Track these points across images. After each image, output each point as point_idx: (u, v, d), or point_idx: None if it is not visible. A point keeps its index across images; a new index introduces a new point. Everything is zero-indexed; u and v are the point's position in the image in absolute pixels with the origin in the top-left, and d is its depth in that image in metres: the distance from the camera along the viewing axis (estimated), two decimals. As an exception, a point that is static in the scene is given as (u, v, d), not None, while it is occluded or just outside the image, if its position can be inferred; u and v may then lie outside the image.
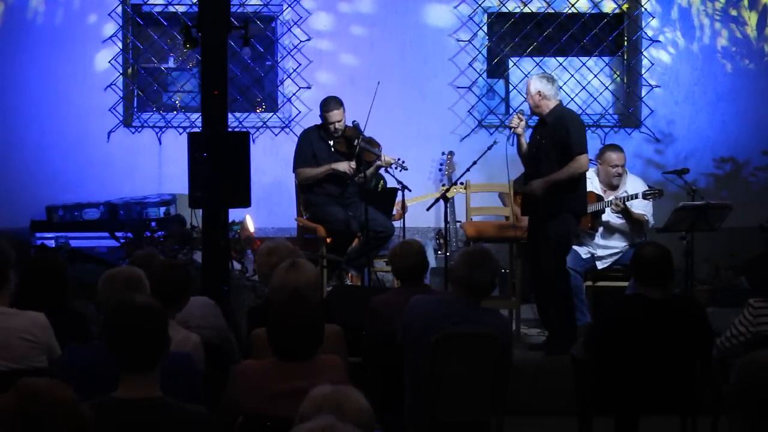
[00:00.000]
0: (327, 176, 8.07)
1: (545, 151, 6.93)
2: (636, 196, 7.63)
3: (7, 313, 4.53)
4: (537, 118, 7.19)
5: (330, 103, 8.02)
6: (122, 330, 3.38)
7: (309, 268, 4.82)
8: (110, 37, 9.27)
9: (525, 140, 7.15)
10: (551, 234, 6.89)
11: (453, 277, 5.06)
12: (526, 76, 9.29)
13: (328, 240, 7.98)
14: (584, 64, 9.45)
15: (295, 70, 9.32)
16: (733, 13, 9.50)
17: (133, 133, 9.41)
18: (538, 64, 9.39)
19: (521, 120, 7.06)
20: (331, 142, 8.12)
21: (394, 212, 8.37)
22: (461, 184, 8.21)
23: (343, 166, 7.99)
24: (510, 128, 7.15)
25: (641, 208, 7.72)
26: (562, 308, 6.93)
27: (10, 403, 2.66)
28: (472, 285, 4.93)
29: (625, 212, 7.64)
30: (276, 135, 9.36)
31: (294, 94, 9.33)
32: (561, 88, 8.62)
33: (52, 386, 2.69)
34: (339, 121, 8.00)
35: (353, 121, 8.08)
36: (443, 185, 8.69)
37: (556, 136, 6.91)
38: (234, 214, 7.77)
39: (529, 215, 7.17)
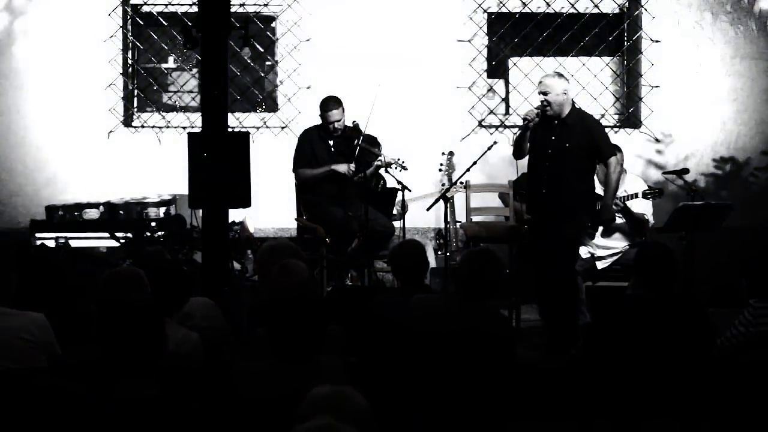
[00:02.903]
0: (326, 176, 8.08)
1: (571, 153, 6.85)
2: (636, 196, 7.63)
3: (7, 314, 4.53)
4: (540, 117, 7.09)
5: (329, 103, 8.03)
6: (117, 330, 3.38)
7: (301, 269, 4.80)
8: (110, 37, 9.27)
9: (528, 134, 7.07)
10: (568, 234, 6.86)
11: (456, 278, 5.06)
12: (526, 76, 9.29)
13: (328, 240, 7.98)
14: (584, 64, 9.45)
15: (295, 71, 9.32)
16: (734, 13, 9.50)
17: (133, 133, 9.41)
18: (538, 64, 9.38)
19: (539, 116, 6.99)
20: (331, 142, 8.13)
21: (394, 212, 8.38)
22: (461, 184, 8.21)
23: (343, 168, 8.00)
24: (526, 119, 6.98)
25: (641, 207, 7.73)
26: (569, 308, 6.91)
27: None
28: (475, 286, 4.93)
29: (625, 211, 7.64)
30: (276, 135, 9.37)
31: (294, 94, 9.33)
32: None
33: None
34: (338, 121, 8.01)
35: (353, 121, 8.09)
36: (443, 185, 8.68)
37: (581, 140, 6.86)
38: (234, 214, 7.77)
39: (539, 216, 7.10)
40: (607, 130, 9.31)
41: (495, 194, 8.57)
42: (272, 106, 9.59)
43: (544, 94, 6.93)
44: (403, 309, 5.04)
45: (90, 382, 3.55)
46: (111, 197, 8.85)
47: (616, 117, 9.61)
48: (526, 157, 7.18)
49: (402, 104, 9.15)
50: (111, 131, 9.35)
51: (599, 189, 7.77)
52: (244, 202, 6.45)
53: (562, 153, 6.87)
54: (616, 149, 7.84)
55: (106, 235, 8.50)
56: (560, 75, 7.16)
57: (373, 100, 7.78)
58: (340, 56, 9.32)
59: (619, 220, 7.79)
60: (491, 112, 9.48)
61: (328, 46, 9.34)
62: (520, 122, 7.22)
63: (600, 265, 7.82)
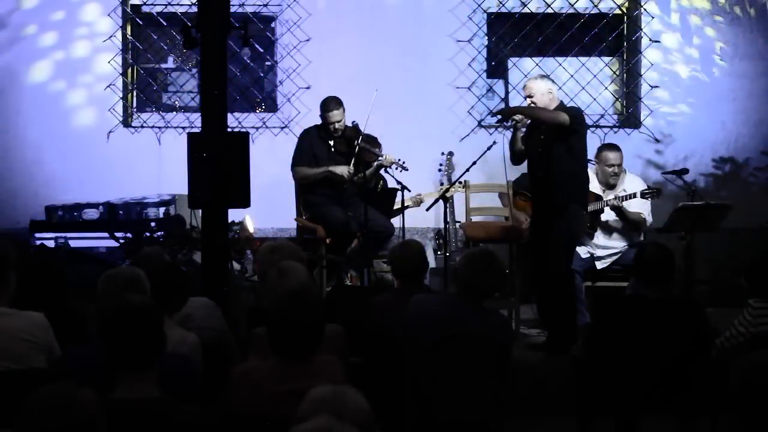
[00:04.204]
0: (324, 178, 8.07)
1: (557, 147, 6.83)
2: (634, 195, 7.64)
3: (7, 314, 4.53)
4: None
5: (330, 104, 8.02)
6: (117, 330, 3.38)
7: (298, 271, 4.81)
8: (110, 37, 9.27)
9: (519, 135, 7.09)
10: (561, 232, 6.85)
11: (456, 278, 5.06)
12: (525, 76, 9.28)
13: (328, 240, 7.98)
14: (584, 64, 9.45)
15: (294, 70, 9.32)
16: (733, 13, 9.50)
17: (132, 133, 9.41)
18: (537, 64, 9.38)
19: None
20: (331, 143, 8.13)
21: (407, 203, 8.37)
22: (460, 183, 8.20)
23: (341, 170, 7.99)
24: (514, 122, 6.99)
25: (638, 207, 7.72)
26: (566, 308, 6.90)
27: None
28: (475, 287, 4.94)
29: (620, 212, 7.64)
30: (276, 135, 9.36)
31: (294, 94, 9.33)
32: (560, 88, 8.67)
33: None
34: (339, 122, 8.00)
35: (353, 122, 8.09)
36: (442, 185, 8.69)
37: (561, 130, 6.85)
38: (234, 214, 7.76)
39: (536, 213, 7.09)
40: (606, 130, 9.38)
41: (495, 194, 8.57)
42: (272, 107, 9.58)
43: (530, 96, 6.96)
44: (403, 309, 5.04)
45: (89, 383, 3.55)
46: (111, 197, 8.84)
47: (616, 117, 9.61)
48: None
49: (402, 104, 9.15)
50: (110, 131, 9.34)
51: (597, 189, 7.79)
52: (244, 202, 6.44)
53: (550, 149, 6.87)
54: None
55: (106, 235, 8.50)
56: (543, 76, 7.19)
57: (370, 103, 7.79)
58: (340, 56, 9.32)
59: (617, 221, 7.79)
60: (491, 112, 9.48)
61: (328, 46, 9.34)
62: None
63: (600, 265, 7.82)
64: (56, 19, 9.34)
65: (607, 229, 7.81)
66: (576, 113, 6.98)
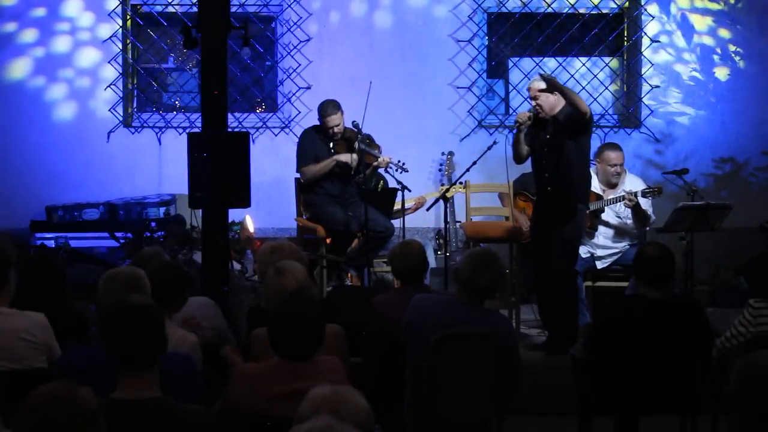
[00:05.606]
0: (327, 176, 8.06)
1: (566, 146, 6.81)
2: (636, 194, 7.64)
3: (7, 314, 4.53)
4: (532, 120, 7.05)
5: (328, 108, 7.99)
6: (118, 330, 3.39)
7: (296, 270, 4.80)
8: (110, 38, 9.27)
9: (522, 135, 7.06)
10: (566, 233, 6.84)
11: (457, 278, 5.07)
12: (526, 76, 9.28)
13: (328, 240, 7.98)
14: (584, 64, 9.45)
15: (294, 70, 9.32)
16: (733, 13, 9.50)
17: (133, 133, 9.41)
18: (537, 64, 9.38)
19: (530, 119, 6.97)
20: (331, 144, 8.12)
21: (409, 206, 8.35)
22: (461, 184, 8.20)
23: (345, 157, 7.97)
24: (517, 123, 6.93)
25: (642, 205, 7.73)
26: (567, 308, 6.89)
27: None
28: (476, 287, 4.94)
29: (636, 206, 7.64)
30: (276, 135, 9.36)
31: (294, 94, 9.33)
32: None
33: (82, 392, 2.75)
34: (337, 125, 7.98)
35: (353, 122, 8.08)
36: (443, 185, 8.68)
37: (570, 127, 6.81)
38: (234, 214, 7.77)
39: (544, 213, 7.06)
40: (606, 130, 9.38)
41: (495, 194, 8.57)
42: (272, 106, 9.58)
43: (534, 99, 6.92)
44: (403, 309, 5.04)
45: (89, 383, 3.55)
46: (111, 197, 8.85)
47: (616, 117, 9.61)
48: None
49: (402, 104, 9.15)
50: (111, 131, 9.34)
51: (598, 189, 7.80)
52: (244, 202, 6.45)
53: (558, 148, 6.85)
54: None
55: (106, 235, 8.51)
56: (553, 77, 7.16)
57: (366, 97, 7.78)
58: (340, 56, 9.32)
59: (618, 220, 7.80)
60: (491, 112, 9.48)
61: (328, 46, 9.34)
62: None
63: (600, 265, 7.82)
64: (57, 18, 9.33)
65: (608, 228, 7.82)
66: (590, 110, 6.97)
